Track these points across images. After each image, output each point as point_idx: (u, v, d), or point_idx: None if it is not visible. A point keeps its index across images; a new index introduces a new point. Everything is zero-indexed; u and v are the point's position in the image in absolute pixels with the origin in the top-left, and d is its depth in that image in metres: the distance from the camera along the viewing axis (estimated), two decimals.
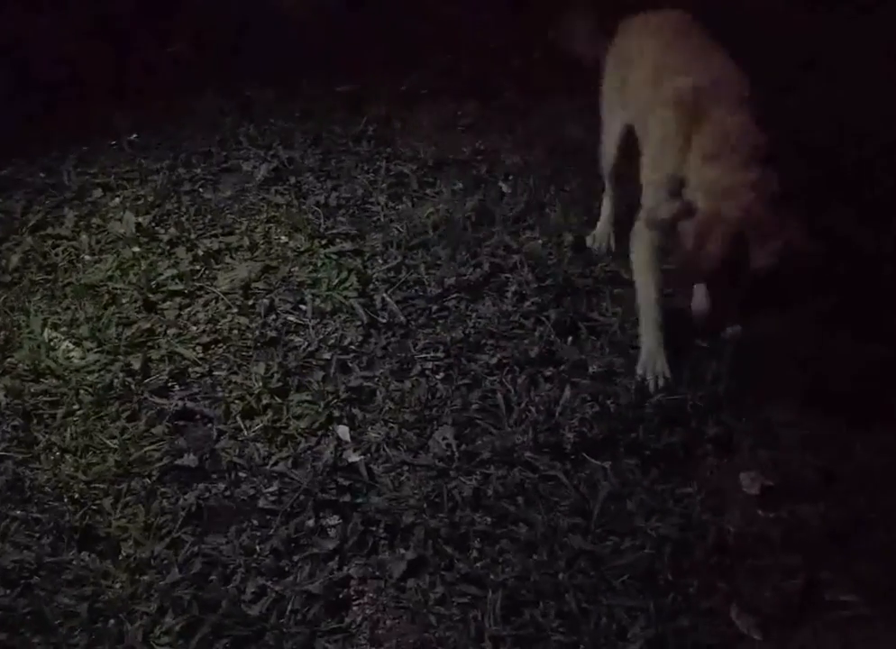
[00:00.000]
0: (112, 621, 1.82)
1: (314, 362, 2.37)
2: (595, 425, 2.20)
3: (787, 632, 1.82)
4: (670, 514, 2.03)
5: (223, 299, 2.55)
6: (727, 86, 2.23)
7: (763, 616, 1.85)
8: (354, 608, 1.88)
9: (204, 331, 2.46)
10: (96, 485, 2.06)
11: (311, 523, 2.01)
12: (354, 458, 2.15)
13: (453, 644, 1.81)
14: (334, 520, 2.02)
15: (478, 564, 1.93)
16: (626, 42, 2.57)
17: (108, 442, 2.15)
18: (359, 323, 2.49)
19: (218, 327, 2.48)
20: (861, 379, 2.30)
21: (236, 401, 2.27)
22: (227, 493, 2.07)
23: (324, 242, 2.75)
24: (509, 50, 3.60)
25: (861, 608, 1.84)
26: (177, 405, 2.25)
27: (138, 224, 2.79)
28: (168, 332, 2.45)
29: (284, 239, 2.76)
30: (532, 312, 2.53)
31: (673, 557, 1.94)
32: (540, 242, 2.77)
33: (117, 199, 2.91)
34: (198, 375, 2.35)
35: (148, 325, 2.46)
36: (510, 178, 3.04)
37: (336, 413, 2.25)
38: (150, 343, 2.42)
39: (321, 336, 2.44)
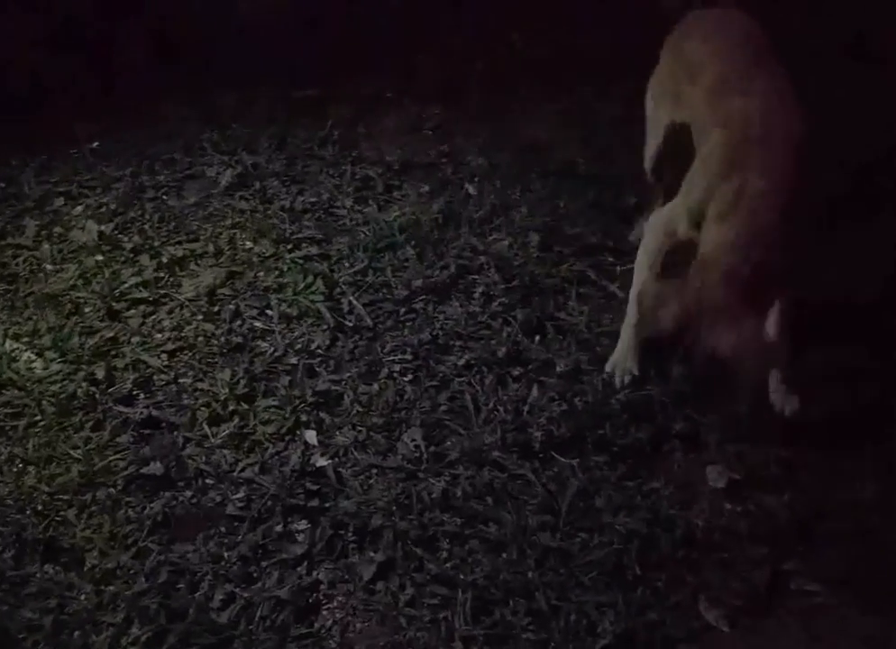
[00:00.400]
0: (77, 633, 1.79)
1: (280, 367, 2.36)
2: (563, 424, 2.21)
3: (754, 622, 1.84)
4: (638, 509, 2.04)
5: (188, 306, 2.53)
6: (777, 127, 2.09)
7: (731, 607, 1.86)
8: (324, 613, 1.87)
9: (169, 338, 2.45)
10: (60, 496, 2.03)
11: (279, 528, 2.00)
12: (322, 462, 2.14)
13: (424, 646, 1.81)
14: (303, 525, 2.01)
15: (447, 565, 1.93)
16: (684, 40, 2.42)
17: (72, 452, 2.13)
18: (325, 327, 2.48)
19: (183, 334, 2.46)
20: (824, 372, 2.32)
21: (202, 408, 2.25)
22: (194, 501, 2.05)
23: (289, 246, 2.74)
24: (472, 52, 3.61)
25: (825, 597, 1.86)
26: (142, 413, 2.23)
27: (101, 233, 2.76)
28: (132, 340, 2.43)
29: (249, 244, 2.75)
30: (499, 312, 2.54)
31: (642, 552, 1.95)
32: (506, 242, 2.78)
33: (79, 208, 2.88)
34: (164, 383, 2.33)
35: (112, 334, 2.44)
36: (476, 179, 3.05)
37: (304, 417, 2.24)
38: (114, 352, 2.40)
39: (287, 341, 2.43)
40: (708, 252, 2.06)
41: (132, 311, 2.52)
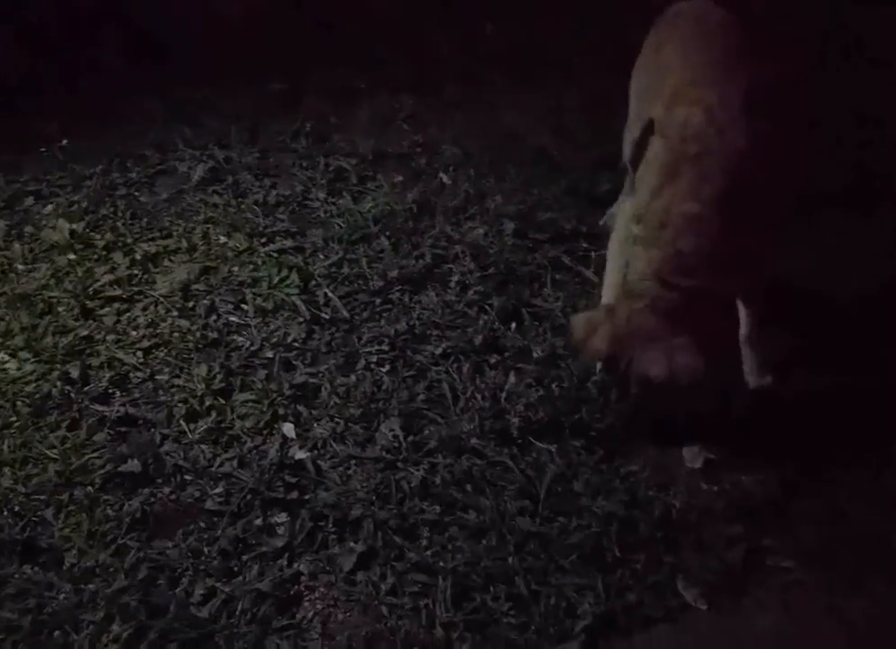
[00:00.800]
0: (57, 632, 1.79)
1: (257, 361, 2.36)
2: (540, 409, 2.22)
3: (731, 600, 1.86)
4: (615, 492, 2.05)
5: (162, 303, 2.52)
6: (716, 142, 2.00)
7: (708, 586, 1.89)
8: (305, 604, 1.88)
9: (144, 335, 2.43)
10: (37, 496, 2.02)
11: (259, 522, 2.00)
12: (301, 455, 2.14)
13: (405, 633, 1.82)
14: (282, 518, 2.01)
15: (427, 553, 1.94)
16: (662, 36, 2.35)
17: (48, 452, 2.11)
18: (301, 320, 2.48)
19: (158, 331, 2.44)
20: (798, 356, 2.34)
21: (179, 404, 2.25)
22: (173, 497, 2.05)
23: (263, 240, 2.73)
24: (442, 41, 3.60)
25: (800, 574, 1.89)
26: (118, 411, 2.22)
27: (72, 231, 2.74)
28: (106, 338, 2.41)
29: (223, 239, 2.74)
30: (475, 301, 2.54)
31: (620, 534, 1.97)
32: (481, 231, 2.78)
33: (50, 206, 2.85)
34: (139, 380, 2.32)
35: (86, 333, 2.42)
36: (450, 169, 3.04)
37: (281, 411, 2.23)
38: (88, 351, 2.38)
39: (263, 335, 2.43)
40: (635, 280, 2.05)
41: (106, 309, 2.50)
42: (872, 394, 2.25)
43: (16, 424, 2.18)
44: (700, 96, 2.09)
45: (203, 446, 2.15)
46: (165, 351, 2.39)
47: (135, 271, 2.62)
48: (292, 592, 1.89)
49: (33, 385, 2.27)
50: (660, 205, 2.04)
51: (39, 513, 1.99)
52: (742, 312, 2.23)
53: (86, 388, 2.27)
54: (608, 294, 2.35)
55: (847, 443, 2.15)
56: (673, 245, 2.00)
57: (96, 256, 2.67)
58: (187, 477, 2.09)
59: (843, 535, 1.96)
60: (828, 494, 2.06)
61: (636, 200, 2.16)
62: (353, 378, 2.32)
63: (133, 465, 2.10)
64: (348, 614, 1.86)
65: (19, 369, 2.31)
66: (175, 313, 2.49)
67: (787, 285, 2.40)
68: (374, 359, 2.38)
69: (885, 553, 1.92)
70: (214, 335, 2.43)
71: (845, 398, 2.24)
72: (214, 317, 2.48)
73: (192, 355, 2.37)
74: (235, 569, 1.92)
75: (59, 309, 2.49)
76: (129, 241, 2.72)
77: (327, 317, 2.49)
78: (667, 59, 2.27)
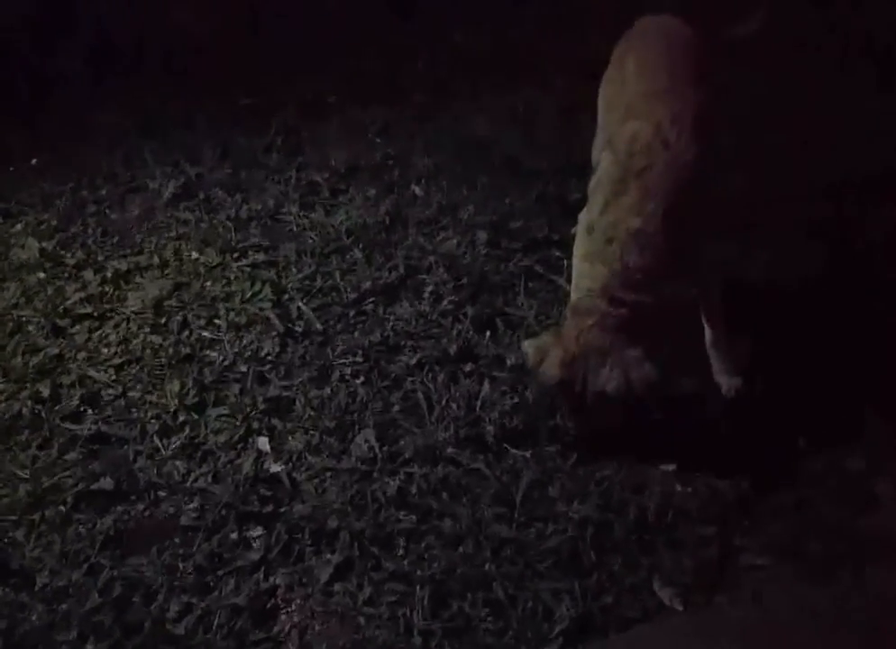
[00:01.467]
0: None
1: (230, 376, 2.35)
2: (515, 416, 2.23)
3: (706, 599, 1.87)
4: (591, 496, 2.06)
5: (134, 319, 2.52)
6: (663, 157, 2.03)
7: (684, 586, 1.89)
8: (282, 617, 1.87)
9: (116, 352, 2.43)
10: (8, 517, 2.01)
11: (234, 536, 1.99)
12: (276, 468, 2.14)
13: (383, 643, 1.81)
14: (258, 531, 2.00)
15: (405, 562, 1.94)
16: (625, 50, 2.38)
17: (19, 472, 2.10)
18: (275, 333, 2.47)
19: (131, 348, 2.44)
20: (760, 356, 2.36)
21: (152, 420, 2.24)
22: (147, 514, 2.04)
23: (236, 255, 2.73)
24: (410, 52, 3.62)
25: (773, 571, 1.90)
26: (90, 429, 2.21)
27: (42, 250, 2.73)
28: (77, 356, 2.41)
29: (195, 255, 2.73)
30: (449, 310, 2.55)
31: (596, 537, 1.98)
32: (454, 241, 2.79)
33: (19, 225, 2.85)
34: (112, 397, 2.31)
35: (56, 351, 2.41)
36: (422, 180, 3.05)
37: (255, 425, 2.23)
38: (59, 369, 2.37)
39: (236, 349, 2.42)
40: (582, 298, 2.06)
41: (77, 327, 2.50)
42: (836, 389, 2.27)
43: None
44: (651, 112, 2.11)
45: (177, 462, 2.14)
46: (137, 367, 2.38)
47: (106, 289, 2.61)
48: (269, 606, 1.88)
49: (3, 404, 2.26)
50: (607, 221, 2.05)
51: (9, 534, 1.98)
52: (704, 318, 2.25)
53: (57, 407, 2.26)
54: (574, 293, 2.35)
55: (813, 438, 2.17)
56: (620, 261, 2.02)
57: (66, 274, 2.66)
58: (160, 493, 2.08)
59: (811, 530, 1.97)
60: (797, 489, 2.07)
61: (588, 215, 2.17)
62: (328, 390, 2.32)
63: (106, 483, 2.09)
64: (325, 625, 1.85)
65: None
66: (147, 329, 2.49)
67: (747, 289, 2.42)
68: (348, 370, 2.38)
69: (851, 545, 1.94)
70: (187, 351, 2.42)
71: (810, 395, 2.26)
72: (186, 333, 2.48)
73: (165, 371, 2.37)
74: (211, 584, 1.91)
75: (30, 328, 2.48)
76: (100, 258, 2.72)
77: (301, 330, 2.49)
78: (628, 72, 2.30)
